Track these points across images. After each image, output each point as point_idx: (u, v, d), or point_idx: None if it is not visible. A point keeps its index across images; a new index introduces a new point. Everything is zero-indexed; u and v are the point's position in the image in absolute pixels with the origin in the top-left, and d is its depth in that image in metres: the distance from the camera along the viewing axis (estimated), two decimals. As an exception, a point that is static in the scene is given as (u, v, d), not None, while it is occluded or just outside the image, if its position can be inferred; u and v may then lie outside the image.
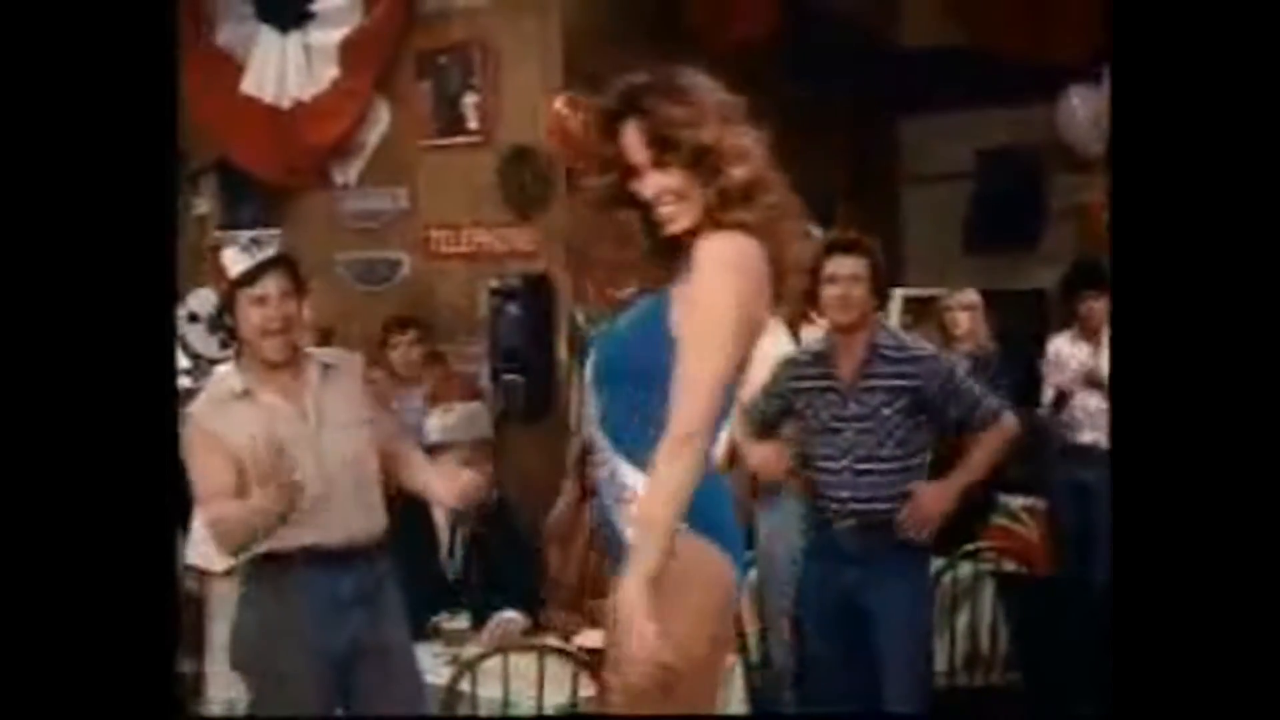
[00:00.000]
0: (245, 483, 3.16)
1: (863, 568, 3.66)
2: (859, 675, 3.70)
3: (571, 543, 4.18)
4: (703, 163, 2.30)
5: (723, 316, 2.24)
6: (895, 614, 3.67)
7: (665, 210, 2.33)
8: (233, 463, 3.15)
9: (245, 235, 3.49)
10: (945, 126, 6.93)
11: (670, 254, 2.38)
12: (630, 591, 2.18)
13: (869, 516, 3.66)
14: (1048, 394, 5.44)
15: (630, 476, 2.32)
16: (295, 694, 3.20)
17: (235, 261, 3.26)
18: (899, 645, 3.67)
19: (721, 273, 2.25)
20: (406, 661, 3.40)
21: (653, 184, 2.32)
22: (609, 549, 2.46)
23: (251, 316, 3.21)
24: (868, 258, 3.69)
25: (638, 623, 2.16)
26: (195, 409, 3.29)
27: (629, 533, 2.29)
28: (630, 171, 2.34)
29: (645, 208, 2.36)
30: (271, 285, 3.21)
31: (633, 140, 2.32)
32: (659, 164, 2.31)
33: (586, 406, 2.46)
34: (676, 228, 2.34)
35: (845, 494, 3.67)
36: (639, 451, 2.28)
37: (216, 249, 5.92)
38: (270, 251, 3.29)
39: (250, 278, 3.22)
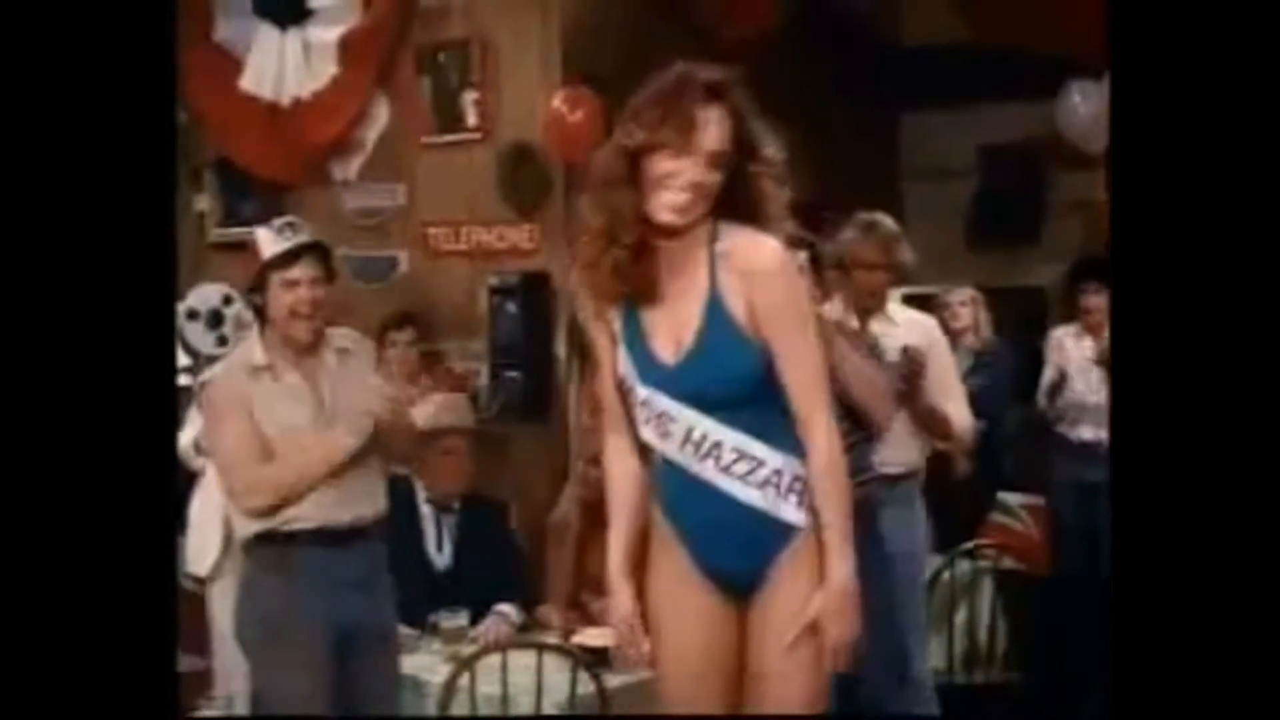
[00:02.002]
0: (267, 450, 3.26)
1: None
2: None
3: (573, 542, 4.18)
4: (745, 170, 2.37)
5: (809, 313, 2.46)
6: (879, 606, 3.61)
7: (678, 200, 2.32)
8: (255, 430, 3.25)
9: (280, 220, 3.53)
10: (947, 123, 6.92)
11: (639, 251, 2.39)
12: (847, 579, 2.41)
13: None
14: (1046, 378, 5.40)
15: (720, 433, 2.39)
16: (293, 668, 3.24)
17: (269, 244, 3.35)
18: (884, 639, 3.60)
19: (796, 274, 2.43)
20: (393, 647, 3.45)
21: (696, 172, 2.32)
22: (680, 511, 2.48)
23: (282, 299, 3.30)
24: (808, 250, 3.52)
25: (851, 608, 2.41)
26: (217, 378, 3.39)
27: (747, 494, 2.39)
28: (648, 152, 2.33)
29: (638, 194, 2.35)
30: (303, 270, 3.32)
31: (713, 125, 2.32)
32: (715, 160, 2.33)
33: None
34: (677, 220, 2.34)
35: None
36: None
37: (219, 246, 5.99)
38: (304, 237, 3.38)
39: (283, 261, 3.30)
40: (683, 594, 2.47)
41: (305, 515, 3.26)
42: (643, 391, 2.43)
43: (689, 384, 2.39)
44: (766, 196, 2.41)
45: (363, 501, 3.36)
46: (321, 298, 3.35)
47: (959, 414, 4.08)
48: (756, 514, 2.40)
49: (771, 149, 2.40)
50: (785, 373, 2.38)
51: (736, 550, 2.42)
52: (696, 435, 2.39)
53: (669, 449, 2.43)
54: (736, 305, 2.37)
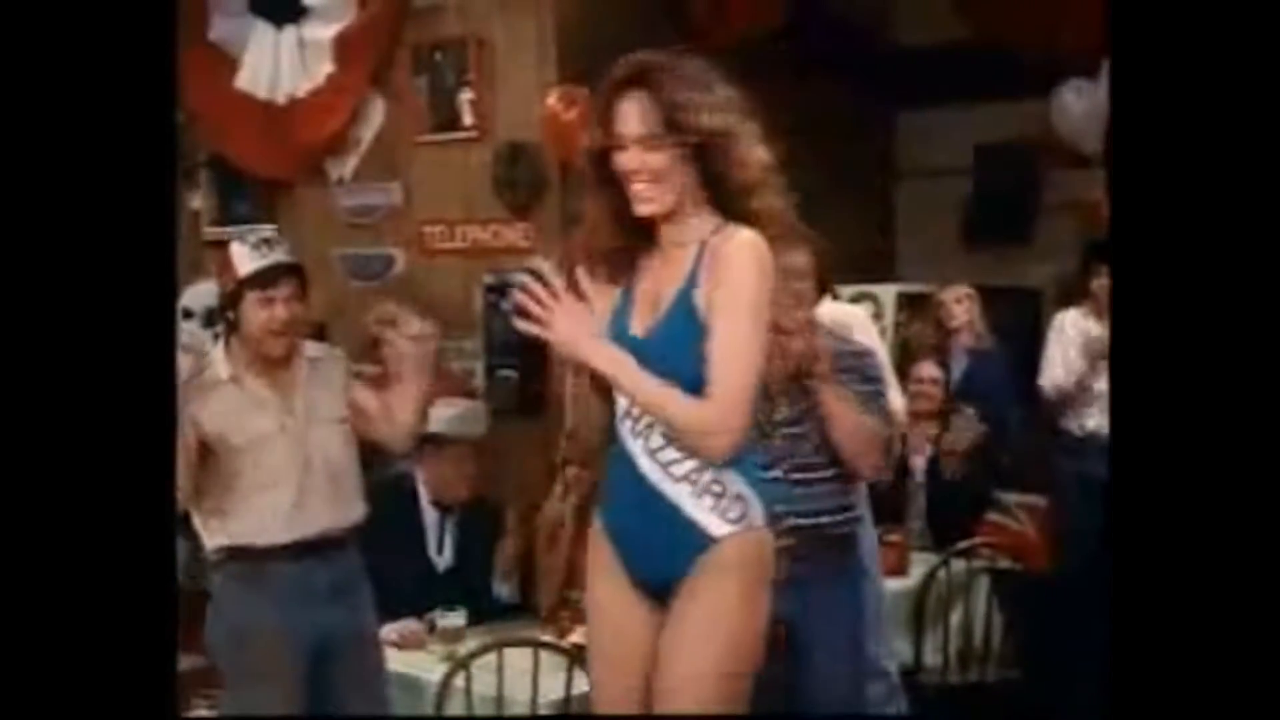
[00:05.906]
0: (208, 466, 3.21)
1: (793, 592, 3.01)
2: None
3: (558, 540, 4.18)
4: (700, 150, 2.33)
5: (758, 310, 2.32)
6: (832, 639, 3.43)
7: (638, 189, 2.35)
8: (199, 447, 3.20)
9: (256, 234, 3.48)
10: (943, 122, 6.92)
11: (636, 239, 2.44)
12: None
13: (811, 532, 3.31)
14: (1053, 369, 5.37)
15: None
16: (266, 683, 3.22)
17: (245, 260, 3.30)
18: (834, 671, 3.43)
19: (751, 265, 2.31)
20: (376, 655, 3.43)
21: (634, 160, 2.33)
22: (614, 509, 2.48)
23: (257, 316, 3.27)
24: (804, 251, 3.27)
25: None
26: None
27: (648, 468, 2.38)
28: (613, 148, 2.36)
29: (621, 188, 2.38)
30: (280, 289, 3.27)
31: (631, 112, 2.33)
32: (648, 142, 2.32)
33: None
34: (647, 209, 2.37)
35: (780, 508, 3.03)
36: None
37: (213, 244, 5.98)
38: (281, 255, 3.34)
39: (259, 279, 3.25)
40: (608, 592, 2.47)
41: (273, 532, 3.24)
42: None
43: (641, 360, 2.38)
44: (733, 166, 2.36)
45: (336, 512, 3.32)
46: (298, 315, 3.32)
47: (897, 402, 4.07)
48: (679, 518, 2.35)
49: (719, 118, 2.34)
50: (710, 350, 2.31)
51: (656, 557, 2.38)
52: (635, 410, 2.41)
53: (616, 418, 2.46)
54: (701, 298, 2.35)
